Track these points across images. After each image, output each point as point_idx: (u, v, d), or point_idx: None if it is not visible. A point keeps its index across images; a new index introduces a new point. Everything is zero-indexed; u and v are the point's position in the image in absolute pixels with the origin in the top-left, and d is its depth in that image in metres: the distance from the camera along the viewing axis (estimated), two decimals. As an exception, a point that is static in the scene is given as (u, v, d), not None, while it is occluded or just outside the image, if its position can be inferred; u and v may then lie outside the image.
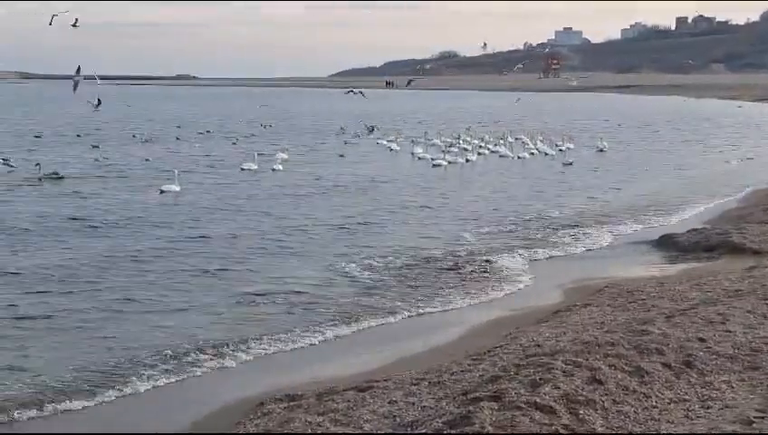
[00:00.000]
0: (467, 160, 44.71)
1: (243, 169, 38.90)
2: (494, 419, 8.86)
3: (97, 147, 49.27)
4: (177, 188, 31.21)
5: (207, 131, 65.09)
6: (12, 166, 37.60)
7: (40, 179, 33.17)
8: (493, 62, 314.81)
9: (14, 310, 16.09)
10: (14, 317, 15.67)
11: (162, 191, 31.12)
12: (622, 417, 9.28)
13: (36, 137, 57.52)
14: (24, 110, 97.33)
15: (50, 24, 37.82)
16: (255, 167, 38.90)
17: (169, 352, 13.80)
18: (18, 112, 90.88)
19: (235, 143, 55.26)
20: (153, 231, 24.30)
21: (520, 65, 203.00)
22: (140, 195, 31.23)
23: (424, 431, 9.05)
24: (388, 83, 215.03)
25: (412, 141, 53.59)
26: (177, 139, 57.50)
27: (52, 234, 23.50)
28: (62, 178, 34.47)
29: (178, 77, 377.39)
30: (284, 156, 42.86)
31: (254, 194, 32.39)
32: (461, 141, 51.60)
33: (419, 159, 45.45)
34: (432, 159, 43.73)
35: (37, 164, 35.33)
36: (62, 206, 28.43)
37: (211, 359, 13.77)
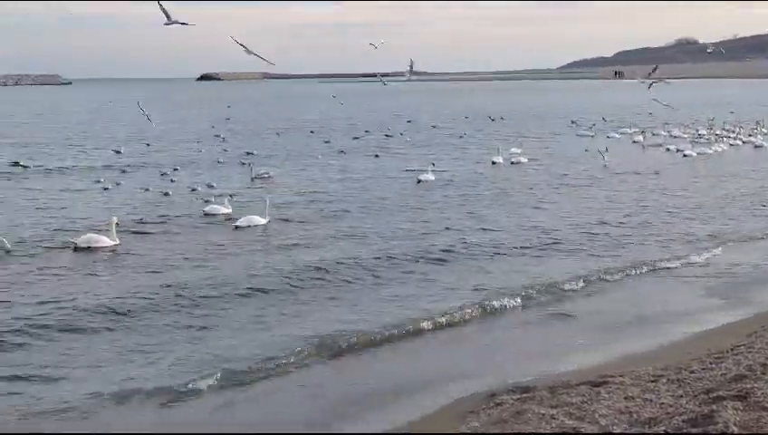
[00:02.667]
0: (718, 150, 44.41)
1: (494, 163, 40.19)
2: (738, 419, 8.47)
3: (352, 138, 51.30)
4: (432, 178, 33.61)
5: (433, 127, 66.22)
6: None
7: (252, 180, 34.90)
8: (737, 47, 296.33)
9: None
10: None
11: (420, 181, 33.55)
12: None
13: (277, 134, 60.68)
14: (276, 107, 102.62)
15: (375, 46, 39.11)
16: (500, 160, 40.55)
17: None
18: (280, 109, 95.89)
19: (461, 137, 56.52)
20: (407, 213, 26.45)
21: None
22: (398, 183, 33.75)
23: (663, 429, 8.78)
24: (616, 73, 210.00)
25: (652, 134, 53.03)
26: (394, 133, 58.78)
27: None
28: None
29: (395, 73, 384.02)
30: (518, 150, 43.83)
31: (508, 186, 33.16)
32: (715, 131, 50.92)
33: (667, 150, 45.44)
34: (681, 150, 43.83)
35: (249, 164, 37.27)
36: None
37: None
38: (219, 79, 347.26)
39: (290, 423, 11.22)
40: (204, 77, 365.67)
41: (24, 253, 20.73)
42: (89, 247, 20.93)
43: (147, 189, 31.50)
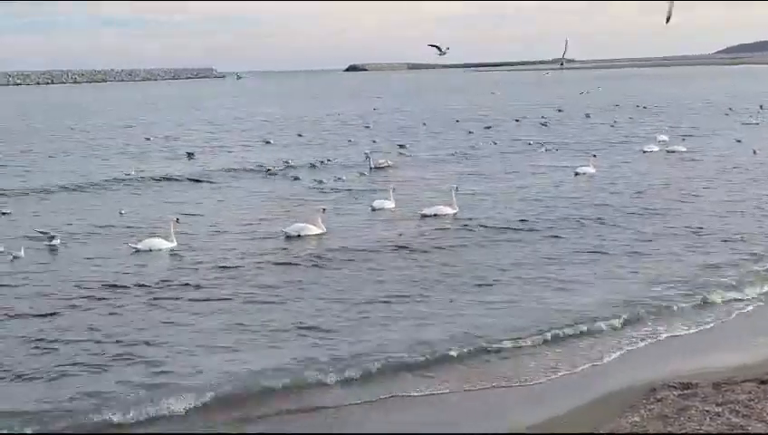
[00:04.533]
0: None
1: (644, 152, 39.65)
2: None
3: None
4: (593, 171, 32.85)
5: (587, 115, 65.00)
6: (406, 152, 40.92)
7: (370, 170, 35.16)
8: None
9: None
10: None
11: (577, 173, 33.03)
12: None
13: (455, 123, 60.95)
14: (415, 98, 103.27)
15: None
16: (656, 149, 40.12)
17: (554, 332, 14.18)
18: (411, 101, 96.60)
19: (612, 126, 55.58)
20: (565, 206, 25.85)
21: None
22: (558, 174, 33.36)
23: (838, 430, 8.41)
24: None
25: None
26: (557, 119, 58.05)
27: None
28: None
29: (553, 61, 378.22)
30: (665, 137, 42.89)
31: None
32: None
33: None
34: None
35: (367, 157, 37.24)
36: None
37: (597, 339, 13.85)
38: (366, 70, 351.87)
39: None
40: (351, 68, 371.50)
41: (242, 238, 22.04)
42: (299, 236, 21.93)
43: (320, 181, 32.14)
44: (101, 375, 12.59)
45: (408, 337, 13.98)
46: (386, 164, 35.74)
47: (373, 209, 26.08)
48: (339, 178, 32.78)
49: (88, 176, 35.07)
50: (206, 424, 11.04)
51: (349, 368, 12.61)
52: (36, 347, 13.83)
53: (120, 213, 25.75)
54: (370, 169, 35.10)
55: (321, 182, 31.74)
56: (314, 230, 22.19)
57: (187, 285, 17.54)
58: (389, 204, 26.31)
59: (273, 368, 12.69)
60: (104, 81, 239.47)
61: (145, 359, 13.24)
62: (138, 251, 20.59)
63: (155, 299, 16.56)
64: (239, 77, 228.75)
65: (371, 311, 15.53)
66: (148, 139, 52.17)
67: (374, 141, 47.14)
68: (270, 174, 34.69)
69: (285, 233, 22.13)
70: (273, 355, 13.28)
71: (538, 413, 11.13)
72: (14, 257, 20.01)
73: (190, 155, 41.80)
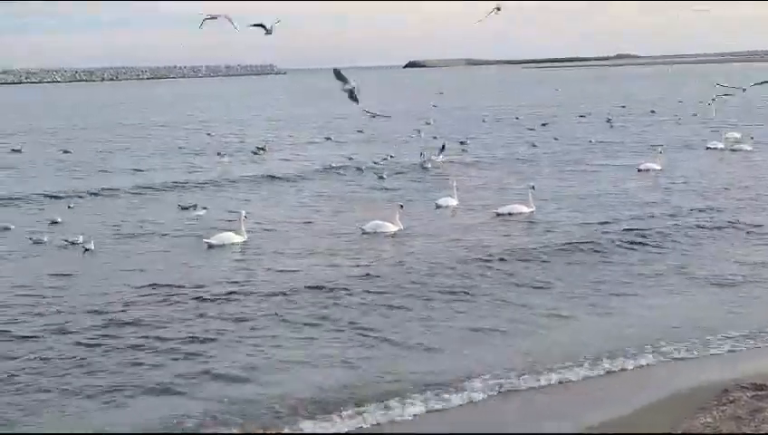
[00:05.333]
0: None
1: (708, 148, 39.39)
2: None
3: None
4: (658, 167, 32.61)
5: (652, 111, 64.23)
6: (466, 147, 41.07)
7: (422, 166, 35.15)
8: None
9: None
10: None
11: (640, 170, 32.74)
12: None
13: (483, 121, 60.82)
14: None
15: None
16: (719, 145, 39.54)
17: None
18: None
19: (679, 123, 54.85)
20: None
21: None
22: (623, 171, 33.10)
23: None
24: None
25: None
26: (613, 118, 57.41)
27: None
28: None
29: (618, 57, 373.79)
30: (736, 135, 42.27)
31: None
32: None
33: None
34: None
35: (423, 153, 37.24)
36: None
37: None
38: (424, 66, 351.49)
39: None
40: (410, 64, 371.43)
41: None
42: (375, 232, 22.16)
43: (382, 177, 32.46)
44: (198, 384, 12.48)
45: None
46: (442, 161, 35.73)
47: (437, 207, 26.09)
48: (399, 175, 32.97)
49: (161, 173, 35.80)
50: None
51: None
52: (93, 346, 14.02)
53: (189, 207, 26.32)
54: (425, 166, 35.14)
55: (381, 178, 31.96)
56: (391, 228, 22.32)
57: (264, 282, 17.70)
58: (453, 201, 26.36)
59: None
60: (167, 77, 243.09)
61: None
62: (211, 246, 20.98)
63: (228, 294, 16.82)
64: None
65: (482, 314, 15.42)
66: (210, 134, 53.09)
67: (435, 138, 47.13)
68: (334, 171, 34.92)
69: (363, 230, 22.30)
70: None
71: (604, 413, 11.09)
72: (86, 250, 20.60)
73: (257, 151, 42.25)
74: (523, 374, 12.42)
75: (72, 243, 21.20)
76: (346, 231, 22.73)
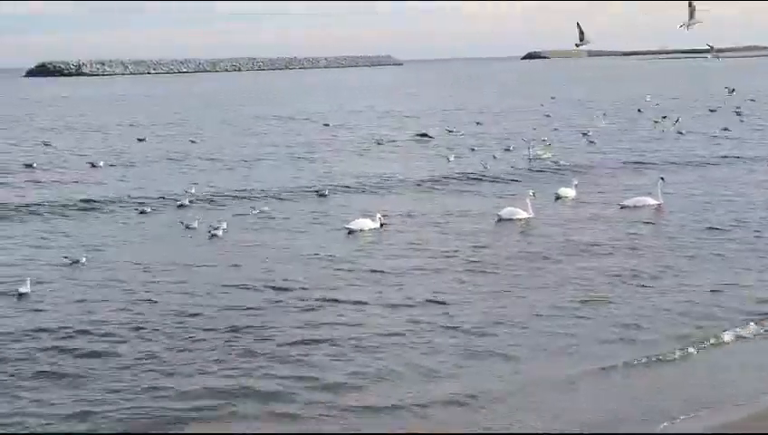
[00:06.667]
0: None
1: None
2: None
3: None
4: None
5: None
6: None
7: (530, 160, 34.93)
8: None
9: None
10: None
11: None
12: None
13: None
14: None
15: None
16: None
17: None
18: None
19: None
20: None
21: None
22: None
23: None
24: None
25: None
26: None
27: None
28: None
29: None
30: None
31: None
32: None
33: None
34: None
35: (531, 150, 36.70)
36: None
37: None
38: (545, 57, 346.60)
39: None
40: (529, 55, 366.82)
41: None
42: (510, 219, 22.71)
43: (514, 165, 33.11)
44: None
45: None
46: (546, 155, 35.45)
47: (557, 197, 26.13)
48: (530, 161, 33.84)
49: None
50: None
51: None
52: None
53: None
54: (530, 158, 34.94)
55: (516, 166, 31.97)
56: (524, 214, 22.77)
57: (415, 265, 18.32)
58: (572, 192, 26.24)
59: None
60: (287, 68, 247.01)
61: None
62: (351, 231, 21.82)
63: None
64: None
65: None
66: (327, 124, 53.92)
67: (555, 129, 46.83)
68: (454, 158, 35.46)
69: (499, 216, 22.85)
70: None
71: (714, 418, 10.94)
72: (212, 235, 21.56)
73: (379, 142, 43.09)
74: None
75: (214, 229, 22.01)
76: (479, 218, 23.45)
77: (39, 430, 10.92)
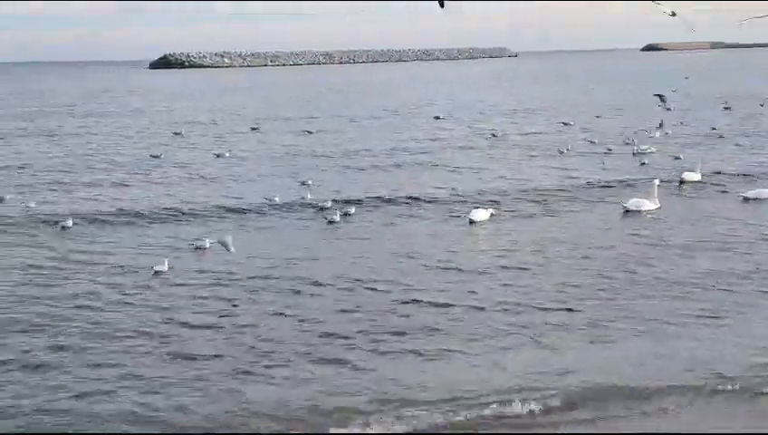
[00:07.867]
0: None
1: None
2: None
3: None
4: None
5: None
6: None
7: (634, 155, 34.18)
8: None
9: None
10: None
11: None
12: None
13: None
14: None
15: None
16: None
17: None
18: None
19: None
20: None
21: None
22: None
23: None
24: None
25: None
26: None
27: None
28: None
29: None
30: None
31: None
32: None
33: None
34: None
35: None
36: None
37: None
38: (664, 49, 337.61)
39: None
40: (648, 47, 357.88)
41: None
42: (637, 210, 22.82)
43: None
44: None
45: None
46: (650, 150, 34.58)
47: (682, 182, 26.44)
48: (644, 153, 33.46)
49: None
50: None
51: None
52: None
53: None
54: (634, 153, 34.22)
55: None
56: (651, 205, 22.73)
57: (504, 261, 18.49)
58: (696, 176, 26.55)
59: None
60: (400, 60, 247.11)
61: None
62: (472, 223, 22.15)
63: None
64: None
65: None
66: (438, 117, 54.19)
67: (681, 123, 46.02)
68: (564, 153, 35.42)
69: (625, 207, 22.83)
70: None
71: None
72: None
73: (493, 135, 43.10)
74: None
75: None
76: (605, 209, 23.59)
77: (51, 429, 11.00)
